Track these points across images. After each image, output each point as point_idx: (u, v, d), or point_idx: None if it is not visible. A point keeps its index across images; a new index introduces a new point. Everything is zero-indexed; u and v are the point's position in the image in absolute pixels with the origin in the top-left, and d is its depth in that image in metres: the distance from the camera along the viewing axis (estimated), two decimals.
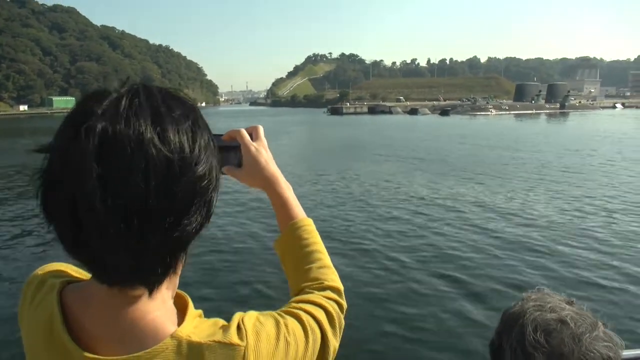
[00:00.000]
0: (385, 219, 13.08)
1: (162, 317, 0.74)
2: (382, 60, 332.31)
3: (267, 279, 8.78)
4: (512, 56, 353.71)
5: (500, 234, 11.42)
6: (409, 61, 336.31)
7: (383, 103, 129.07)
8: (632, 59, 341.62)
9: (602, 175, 20.31)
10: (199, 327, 0.75)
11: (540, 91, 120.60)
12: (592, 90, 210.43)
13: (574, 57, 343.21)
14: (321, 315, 0.91)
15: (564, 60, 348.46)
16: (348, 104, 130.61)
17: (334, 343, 0.91)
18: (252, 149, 1.09)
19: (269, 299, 7.77)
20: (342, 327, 0.95)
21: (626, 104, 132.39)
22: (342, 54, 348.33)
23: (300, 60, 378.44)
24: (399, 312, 7.41)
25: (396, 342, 6.53)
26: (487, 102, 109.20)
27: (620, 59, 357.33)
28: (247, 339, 0.74)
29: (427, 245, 10.67)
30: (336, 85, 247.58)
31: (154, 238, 0.65)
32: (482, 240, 10.93)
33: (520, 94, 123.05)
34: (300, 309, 0.90)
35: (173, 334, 0.71)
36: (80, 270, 0.86)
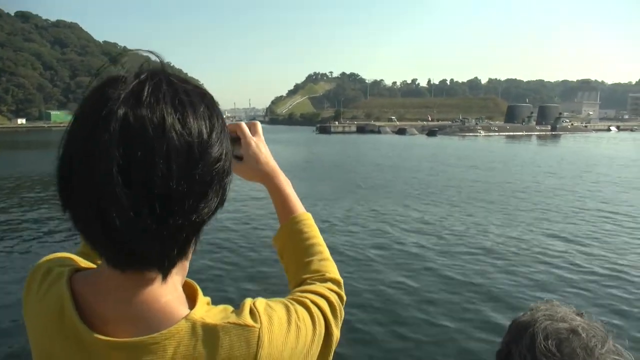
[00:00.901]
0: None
1: (174, 300, 0.75)
2: (382, 80, 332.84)
3: (265, 273, 9.40)
4: (513, 78, 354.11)
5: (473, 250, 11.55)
6: (409, 81, 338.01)
7: (372, 122, 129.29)
8: (633, 82, 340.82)
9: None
10: (210, 311, 0.75)
11: (532, 112, 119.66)
12: (591, 113, 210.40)
13: (575, 80, 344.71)
14: (324, 305, 0.91)
15: (564, 82, 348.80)
16: (337, 122, 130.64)
17: (337, 333, 0.91)
18: (253, 143, 1.11)
19: (267, 293, 7.85)
20: (342, 317, 0.96)
21: (621, 127, 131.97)
22: (343, 73, 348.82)
23: (301, 78, 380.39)
24: (401, 322, 7.75)
25: (397, 353, 6.82)
26: (477, 124, 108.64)
27: (622, 82, 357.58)
28: (260, 321, 0.75)
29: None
30: (335, 104, 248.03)
31: (173, 222, 0.66)
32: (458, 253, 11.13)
33: (511, 116, 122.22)
34: (306, 297, 0.90)
35: (187, 317, 0.72)
36: (85, 261, 0.87)
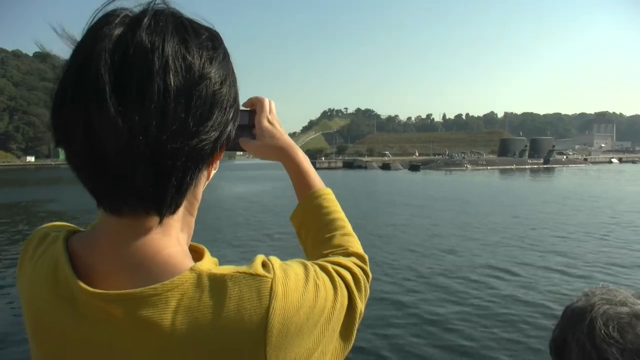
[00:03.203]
0: None
1: (178, 253, 0.70)
2: (397, 116, 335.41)
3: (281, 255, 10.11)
4: (530, 111, 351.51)
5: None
6: (424, 116, 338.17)
7: (359, 158, 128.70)
8: None
9: None
10: (219, 266, 0.70)
11: (526, 146, 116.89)
12: (603, 145, 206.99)
13: (592, 112, 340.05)
14: (347, 275, 0.84)
15: (582, 115, 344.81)
16: (324, 158, 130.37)
17: (360, 306, 0.85)
18: (266, 120, 1.05)
19: None
20: (368, 294, 0.90)
21: (623, 159, 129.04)
22: (358, 109, 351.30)
23: (316, 114, 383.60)
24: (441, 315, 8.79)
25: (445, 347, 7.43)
26: (464, 157, 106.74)
27: None
28: (274, 273, 0.68)
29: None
30: (349, 140, 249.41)
31: (169, 144, 0.61)
32: None
33: (505, 149, 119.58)
34: (327, 264, 0.83)
35: (192, 268, 0.66)
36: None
